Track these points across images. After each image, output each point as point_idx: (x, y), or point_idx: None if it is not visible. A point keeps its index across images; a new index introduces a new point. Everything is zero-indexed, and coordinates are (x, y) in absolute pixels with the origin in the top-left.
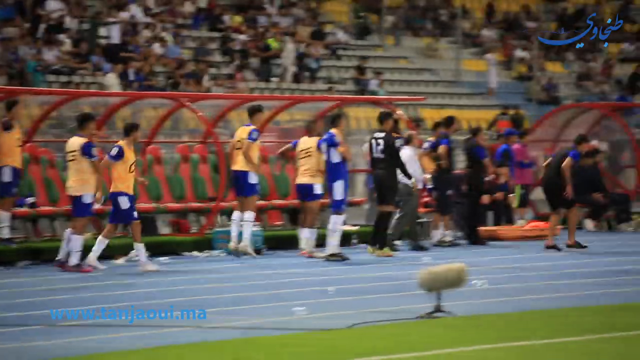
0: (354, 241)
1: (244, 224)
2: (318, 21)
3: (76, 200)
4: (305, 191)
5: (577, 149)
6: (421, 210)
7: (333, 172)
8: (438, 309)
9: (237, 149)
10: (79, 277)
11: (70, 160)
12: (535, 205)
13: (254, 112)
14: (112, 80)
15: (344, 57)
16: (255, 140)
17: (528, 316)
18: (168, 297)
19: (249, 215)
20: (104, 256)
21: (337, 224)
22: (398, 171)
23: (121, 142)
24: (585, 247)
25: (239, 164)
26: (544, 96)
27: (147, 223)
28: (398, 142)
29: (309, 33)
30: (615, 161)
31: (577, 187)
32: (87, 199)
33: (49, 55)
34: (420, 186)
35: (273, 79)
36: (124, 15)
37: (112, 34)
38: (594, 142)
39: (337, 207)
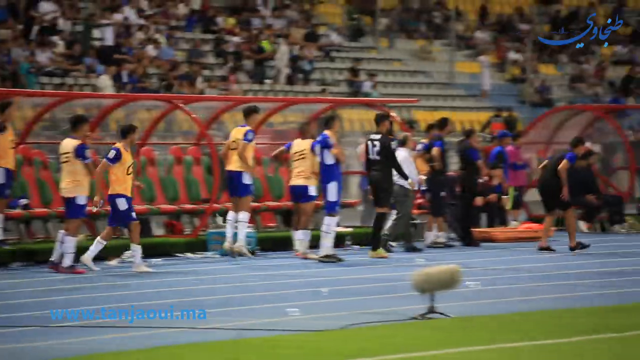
0: (348, 242)
1: (238, 225)
2: (311, 23)
3: (69, 201)
4: (299, 193)
5: (573, 151)
6: (415, 211)
7: (327, 173)
8: (432, 310)
9: (232, 149)
10: (72, 278)
11: (64, 162)
12: (528, 207)
13: (249, 112)
14: (105, 82)
15: (338, 59)
16: (250, 141)
17: (520, 317)
18: (161, 299)
19: (244, 215)
20: (97, 257)
21: (330, 226)
22: (394, 172)
23: (118, 144)
24: (587, 245)
25: (233, 165)
26: (537, 98)
27: (140, 224)
28: (393, 144)
29: (302, 35)
30: (608, 163)
31: (571, 189)
32: (81, 201)
33: (42, 57)
34: (417, 187)
35: (266, 80)
36: (117, 17)
37: (106, 35)
38: (587, 144)
39: (330, 208)
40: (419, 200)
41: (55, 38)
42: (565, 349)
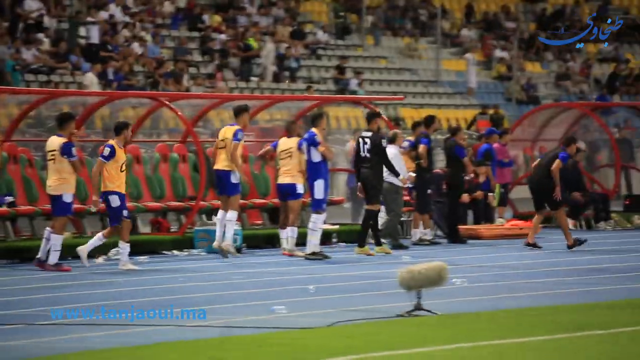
0: (334, 240)
1: (227, 223)
2: (298, 21)
3: (56, 199)
4: (286, 191)
5: (566, 150)
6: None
7: (313, 171)
8: (418, 308)
9: (221, 148)
10: (59, 276)
11: (50, 160)
12: (514, 205)
13: (240, 111)
14: (91, 79)
15: (324, 57)
16: (240, 140)
17: (506, 314)
18: (148, 296)
19: (232, 214)
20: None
21: (317, 223)
22: (384, 170)
23: (112, 141)
24: (585, 240)
25: (221, 163)
26: (523, 96)
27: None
28: (384, 142)
29: (288, 33)
30: (593, 161)
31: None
32: (67, 198)
33: (28, 54)
34: (408, 183)
35: (253, 78)
36: (103, 14)
37: (91, 33)
38: None
39: (317, 206)
40: (405, 198)
41: (40, 35)
42: (550, 346)
